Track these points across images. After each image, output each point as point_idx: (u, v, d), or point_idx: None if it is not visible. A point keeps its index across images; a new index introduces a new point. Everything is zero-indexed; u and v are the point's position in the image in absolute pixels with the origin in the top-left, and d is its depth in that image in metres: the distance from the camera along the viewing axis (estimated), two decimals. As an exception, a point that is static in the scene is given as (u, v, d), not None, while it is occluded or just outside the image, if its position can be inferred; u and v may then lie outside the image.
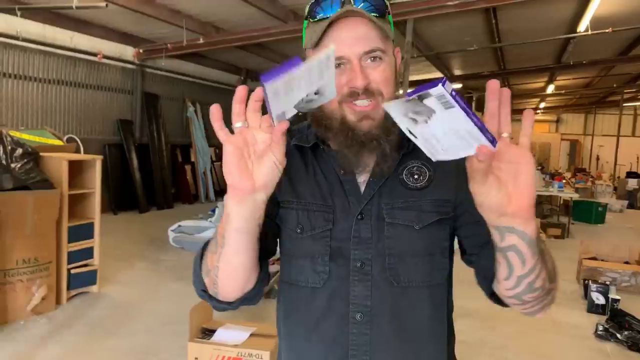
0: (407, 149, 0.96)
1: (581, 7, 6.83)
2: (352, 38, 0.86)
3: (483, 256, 0.92)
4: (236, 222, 0.77)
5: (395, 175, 0.96)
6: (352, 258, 0.93)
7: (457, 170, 0.94)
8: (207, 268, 0.86)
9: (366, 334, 0.93)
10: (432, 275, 0.95)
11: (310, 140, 0.98)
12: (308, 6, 0.92)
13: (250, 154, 0.73)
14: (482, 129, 0.62)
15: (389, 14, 0.91)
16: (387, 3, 0.90)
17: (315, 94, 0.69)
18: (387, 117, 0.87)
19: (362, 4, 0.86)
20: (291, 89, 0.66)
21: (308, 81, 0.67)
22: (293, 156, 0.99)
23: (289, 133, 1.00)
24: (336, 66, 0.86)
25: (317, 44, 0.88)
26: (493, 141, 0.63)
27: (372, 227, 0.94)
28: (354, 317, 0.94)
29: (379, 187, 0.94)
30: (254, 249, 0.82)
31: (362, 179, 0.96)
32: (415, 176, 0.96)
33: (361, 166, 0.94)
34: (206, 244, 0.88)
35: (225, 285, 0.85)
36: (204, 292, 0.90)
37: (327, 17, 0.86)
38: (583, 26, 7.32)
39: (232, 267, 0.83)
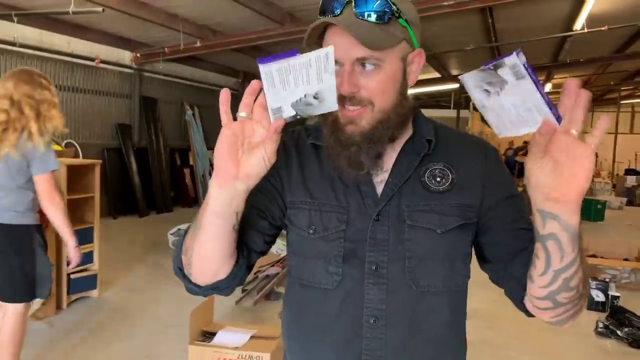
0: (427, 150, 0.94)
1: (577, 5, 6.85)
2: (346, 43, 0.84)
3: (517, 262, 0.91)
4: (213, 204, 0.79)
5: (416, 177, 0.93)
6: (367, 260, 0.91)
7: (485, 176, 0.95)
8: (185, 247, 0.88)
9: (380, 338, 0.91)
10: (451, 281, 0.93)
11: (324, 140, 0.96)
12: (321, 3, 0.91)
13: (244, 144, 0.76)
14: (549, 103, 0.64)
15: (398, 17, 0.87)
16: (396, 7, 0.86)
17: (315, 98, 0.70)
18: (377, 125, 0.87)
19: (363, 8, 0.84)
20: (288, 82, 0.68)
21: (306, 77, 0.68)
22: (309, 156, 0.98)
23: (289, 132, 1.01)
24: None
25: (314, 44, 0.88)
26: (558, 118, 0.65)
27: (389, 229, 0.91)
28: (368, 321, 0.91)
29: (398, 188, 0.92)
30: (229, 239, 0.84)
31: (380, 179, 0.94)
32: (438, 179, 0.93)
33: (348, 171, 0.90)
34: (188, 228, 0.91)
35: (197, 267, 0.87)
36: (179, 269, 0.92)
37: (324, 18, 0.86)
38: (579, 24, 7.33)
39: (205, 250, 0.85)
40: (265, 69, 0.67)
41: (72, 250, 2.54)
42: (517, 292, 0.92)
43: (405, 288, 0.91)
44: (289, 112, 0.71)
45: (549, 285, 0.80)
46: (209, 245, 0.84)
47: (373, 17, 0.84)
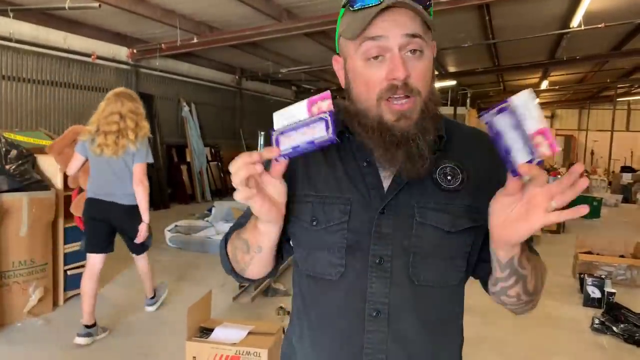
0: (438, 147, 0.93)
1: (574, 2, 6.86)
2: (394, 21, 0.83)
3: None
4: (270, 235, 0.91)
5: (427, 174, 0.92)
6: (371, 253, 0.91)
7: (495, 178, 0.92)
8: (237, 259, 0.99)
9: (383, 331, 0.92)
10: (450, 276, 0.95)
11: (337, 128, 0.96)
12: None
13: (267, 194, 0.83)
14: (507, 160, 0.73)
15: (430, 5, 0.88)
16: None
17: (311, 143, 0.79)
18: (423, 115, 0.87)
19: None
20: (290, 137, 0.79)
21: (302, 135, 0.78)
22: None
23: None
24: (374, 58, 0.86)
25: (359, 34, 0.85)
26: (513, 171, 0.72)
27: (394, 223, 0.91)
28: (371, 314, 0.91)
29: (406, 183, 0.91)
30: (274, 251, 0.96)
31: (387, 173, 0.93)
32: (449, 177, 0.93)
33: (411, 169, 0.89)
34: (228, 234, 1.03)
35: (253, 273, 1.00)
36: (232, 270, 1.03)
37: (369, 6, 0.84)
38: (576, 21, 7.35)
39: (262, 265, 0.98)
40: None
41: (144, 226, 3.43)
42: (485, 282, 0.99)
43: (407, 282, 0.91)
44: (293, 153, 0.80)
45: (494, 286, 0.93)
46: (266, 261, 0.97)
47: (419, 2, 0.84)
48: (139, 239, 3.42)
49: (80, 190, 3.76)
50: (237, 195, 0.78)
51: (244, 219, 1.03)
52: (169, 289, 4.24)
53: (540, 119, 0.71)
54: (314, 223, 0.94)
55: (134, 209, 3.36)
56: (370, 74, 0.86)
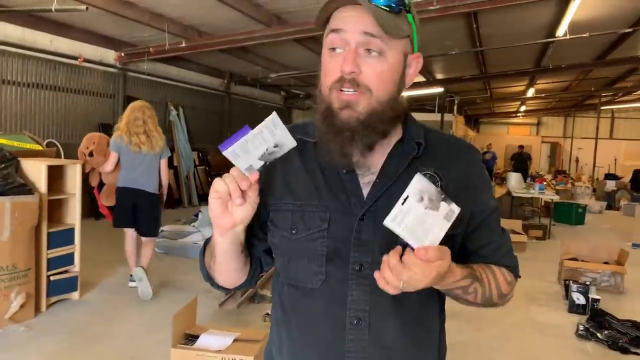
0: (416, 153, 0.95)
1: (560, 12, 6.96)
2: (356, 17, 0.86)
3: (470, 260, 1.00)
4: (221, 247, 0.93)
5: (407, 181, 0.91)
6: (351, 261, 0.91)
7: (473, 187, 0.99)
8: (207, 264, 1.02)
9: (364, 339, 0.92)
10: None
11: (315, 136, 0.96)
12: None
13: (232, 200, 0.86)
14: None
15: (408, 12, 0.90)
16: (407, 2, 0.89)
17: (276, 146, 0.84)
18: (372, 113, 0.88)
19: None
20: (247, 150, 0.82)
21: (261, 141, 0.82)
22: (293, 156, 0.96)
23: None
24: (331, 50, 0.89)
25: (323, 24, 0.91)
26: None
27: (374, 229, 0.91)
28: (352, 322, 0.92)
29: (386, 190, 0.92)
30: (240, 258, 0.98)
31: (367, 180, 0.94)
32: None
33: (340, 158, 0.91)
34: (207, 241, 1.03)
35: (220, 279, 1.02)
36: (208, 277, 1.05)
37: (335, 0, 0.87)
38: (562, 31, 7.45)
39: (225, 270, 0.99)
40: (228, 152, 0.81)
41: (164, 194, 4.51)
42: None
43: None
44: (258, 164, 0.84)
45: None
46: (227, 266, 0.98)
47: (386, 4, 0.86)
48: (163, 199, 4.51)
49: (100, 184, 4.57)
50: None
51: None
52: (154, 295, 4.25)
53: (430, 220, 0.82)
54: (294, 231, 0.94)
55: (156, 196, 4.33)
56: (329, 63, 0.89)
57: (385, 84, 0.88)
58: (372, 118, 0.88)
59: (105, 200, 4.53)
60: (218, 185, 0.84)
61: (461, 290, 0.92)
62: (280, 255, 1.00)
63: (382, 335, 0.92)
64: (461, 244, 1.00)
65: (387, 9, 0.86)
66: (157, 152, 4.26)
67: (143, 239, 4.37)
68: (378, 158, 0.94)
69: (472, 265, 0.96)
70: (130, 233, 4.37)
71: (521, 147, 17.20)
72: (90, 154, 4.37)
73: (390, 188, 0.92)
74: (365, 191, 0.93)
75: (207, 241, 1.02)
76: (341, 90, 0.87)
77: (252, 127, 0.82)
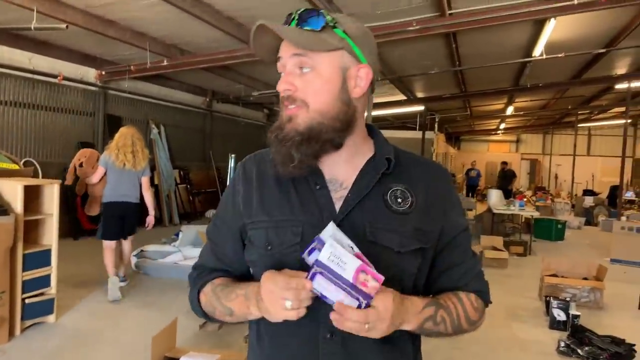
0: (386, 169, 0.99)
1: (536, 33, 7.14)
2: (286, 44, 0.96)
3: (440, 282, 1.04)
4: (251, 317, 0.98)
5: (379, 196, 0.97)
6: None
7: (444, 204, 1.03)
8: (215, 314, 1.04)
9: (337, 352, 0.93)
10: None
11: None
12: None
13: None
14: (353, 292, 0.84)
15: (334, 27, 0.95)
16: (331, 18, 0.95)
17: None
18: (311, 125, 0.94)
19: (301, 22, 0.94)
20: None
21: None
22: (268, 175, 1.03)
23: (252, 157, 1.11)
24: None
25: (265, 58, 1.03)
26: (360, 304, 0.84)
27: None
28: (325, 336, 0.93)
29: (357, 204, 0.96)
30: None
31: (339, 196, 0.98)
32: (399, 200, 0.98)
33: (282, 168, 0.97)
34: (199, 279, 1.07)
35: (225, 320, 1.05)
36: (206, 316, 1.07)
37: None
38: (538, 51, 7.64)
39: (235, 320, 1.03)
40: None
41: (151, 217, 5.29)
42: None
43: None
44: None
45: None
46: (238, 320, 1.02)
47: (307, 25, 0.94)
48: (149, 226, 5.28)
49: (84, 195, 5.63)
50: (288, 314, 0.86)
51: (208, 258, 1.10)
52: (133, 317, 4.15)
53: (350, 257, 0.82)
54: (269, 247, 0.98)
55: (137, 205, 5.07)
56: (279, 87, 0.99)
57: (321, 96, 0.94)
58: (313, 129, 0.94)
59: (87, 209, 5.72)
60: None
61: (431, 322, 0.94)
62: (257, 273, 1.01)
63: (356, 349, 0.94)
64: (431, 265, 1.03)
65: (309, 29, 0.93)
66: (138, 169, 4.95)
67: (122, 240, 5.17)
68: (350, 174, 0.99)
69: (436, 296, 1.01)
70: (110, 245, 4.94)
71: (505, 163, 16.52)
72: (81, 165, 5.46)
73: (364, 203, 0.96)
74: (338, 205, 0.97)
75: (198, 281, 1.07)
76: (286, 106, 0.96)
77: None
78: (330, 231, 0.86)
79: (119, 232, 4.97)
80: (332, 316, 0.83)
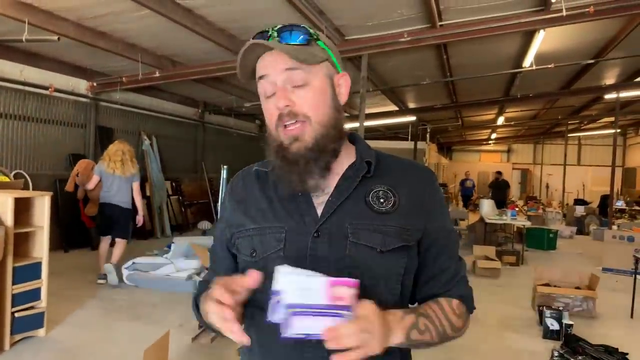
0: (366, 171, 1.01)
1: (525, 44, 7.23)
2: (274, 60, 0.96)
3: (427, 287, 1.05)
4: None
5: (361, 197, 0.99)
6: None
7: (428, 202, 1.03)
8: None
9: (322, 356, 0.92)
10: (384, 299, 0.96)
11: (270, 166, 1.04)
12: None
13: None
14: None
15: (317, 40, 0.98)
16: (313, 31, 0.98)
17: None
18: (318, 138, 0.95)
19: (286, 37, 0.96)
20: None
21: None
22: (252, 186, 1.07)
23: (238, 174, 1.15)
24: (267, 97, 0.98)
25: (250, 77, 1.02)
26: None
27: (329, 245, 0.95)
28: (310, 340, 0.91)
29: (339, 206, 0.98)
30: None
31: (320, 201, 1.00)
32: (382, 200, 0.99)
33: (300, 186, 0.98)
34: (200, 293, 1.05)
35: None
36: (204, 322, 1.05)
37: (242, 52, 0.97)
38: (528, 62, 7.73)
39: None
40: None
41: (140, 217, 6.00)
42: None
43: None
44: None
45: None
46: None
47: (294, 41, 0.96)
48: (139, 223, 6.04)
49: (85, 199, 7.21)
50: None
51: (209, 273, 1.15)
52: (124, 330, 4.08)
53: (314, 280, 0.81)
54: (254, 255, 1.00)
55: (128, 210, 5.83)
56: (268, 106, 0.99)
57: (320, 108, 0.97)
58: (320, 142, 0.96)
59: (88, 210, 7.32)
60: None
61: (416, 330, 0.94)
62: None
63: (340, 352, 0.92)
64: (418, 270, 1.03)
65: (297, 44, 0.95)
66: (127, 175, 5.77)
67: (116, 240, 5.84)
68: (331, 180, 1.01)
69: (415, 307, 1.01)
70: (105, 239, 5.85)
71: (499, 173, 15.66)
72: (77, 174, 6.69)
73: (346, 206, 0.98)
74: (319, 210, 0.99)
75: (199, 295, 1.05)
76: (285, 127, 0.95)
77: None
78: (282, 275, 0.83)
79: (109, 229, 5.80)
80: (329, 346, 0.80)
